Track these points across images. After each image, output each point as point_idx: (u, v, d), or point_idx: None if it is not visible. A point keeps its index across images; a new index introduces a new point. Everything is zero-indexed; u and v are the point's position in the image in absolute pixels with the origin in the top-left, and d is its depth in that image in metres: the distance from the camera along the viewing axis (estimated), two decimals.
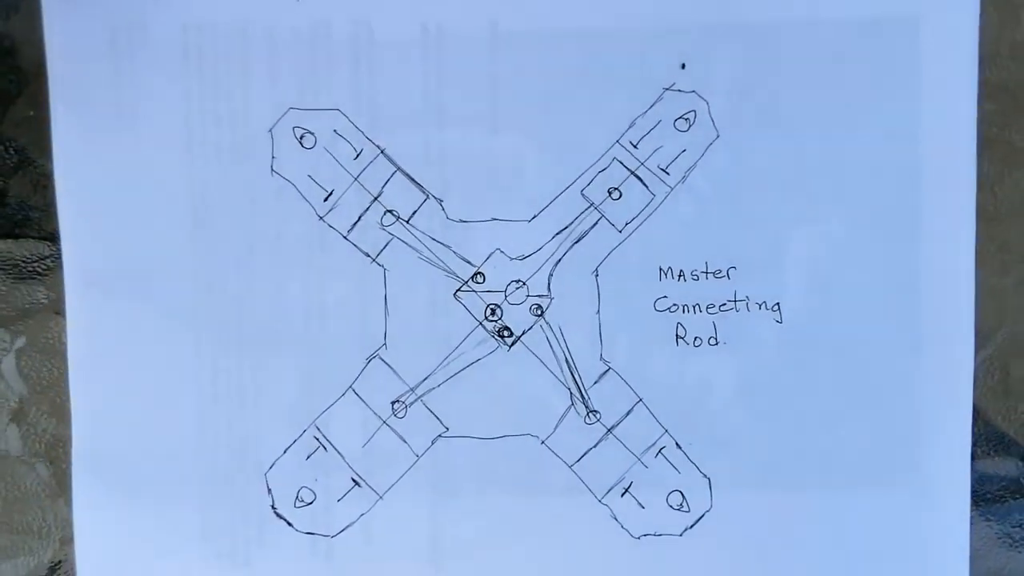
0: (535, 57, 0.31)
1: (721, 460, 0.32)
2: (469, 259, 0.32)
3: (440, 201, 0.32)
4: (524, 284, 0.32)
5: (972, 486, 0.32)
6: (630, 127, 0.31)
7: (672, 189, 0.32)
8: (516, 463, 0.32)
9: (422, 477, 0.32)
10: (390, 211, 0.32)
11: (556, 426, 0.32)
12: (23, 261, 0.32)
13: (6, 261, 0.32)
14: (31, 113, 0.32)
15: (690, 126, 0.31)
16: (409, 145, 0.32)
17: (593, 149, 0.31)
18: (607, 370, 0.32)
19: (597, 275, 0.32)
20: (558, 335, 0.32)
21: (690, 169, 0.32)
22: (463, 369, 0.32)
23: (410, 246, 0.32)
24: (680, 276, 0.32)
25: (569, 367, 0.32)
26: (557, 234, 0.32)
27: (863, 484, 0.32)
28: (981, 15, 0.31)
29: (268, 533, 0.32)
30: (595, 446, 0.32)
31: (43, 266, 0.33)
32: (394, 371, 0.32)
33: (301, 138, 0.32)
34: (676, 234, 0.32)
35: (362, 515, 0.32)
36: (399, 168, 0.32)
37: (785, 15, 0.31)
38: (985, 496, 0.32)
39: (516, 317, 0.32)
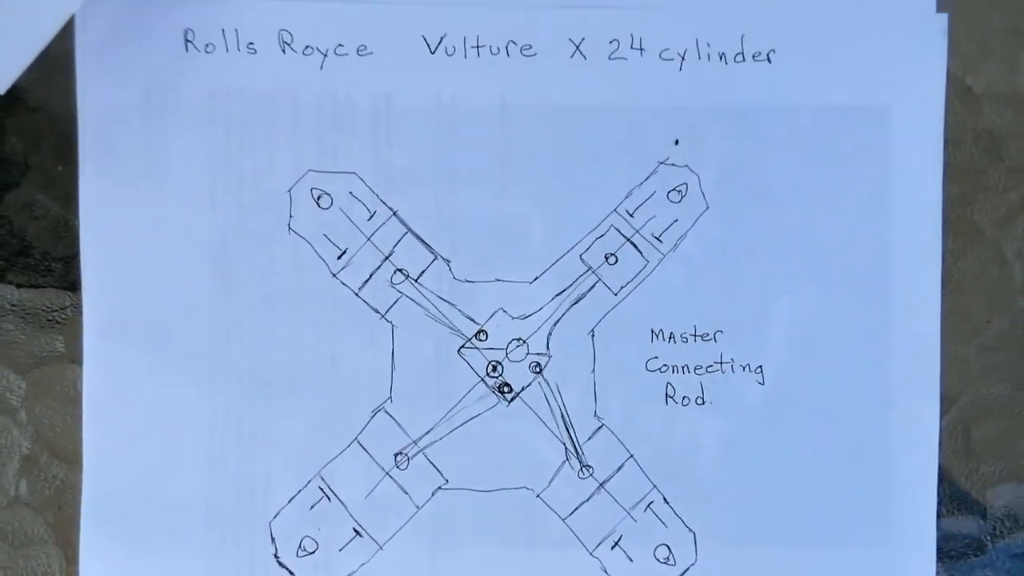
0: (541, 129, 0.33)
1: (706, 515, 0.33)
2: (473, 317, 0.34)
3: (448, 262, 0.33)
4: (524, 342, 0.34)
5: (937, 543, 0.33)
6: (627, 197, 0.33)
7: (664, 256, 0.34)
8: (512, 515, 0.33)
9: (422, 528, 0.33)
10: (400, 270, 0.34)
11: (551, 480, 0.33)
12: (43, 310, 0.34)
13: (27, 310, 0.34)
14: (60, 168, 0.33)
15: (682, 198, 0.34)
16: (420, 208, 0.33)
17: (592, 216, 0.33)
18: (600, 426, 0.33)
19: (593, 335, 0.34)
20: (555, 392, 0.34)
21: (681, 238, 0.34)
22: (464, 423, 0.33)
23: (418, 304, 0.33)
24: (670, 338, 0.33)
25: (565, 423, 0.34)
26: (556, 296, 0.34)
27: (838, 540, 0.33)
28: (946, 105, 0.33)
29: None
30: (587, 500, 0.33)
31: (62, 315, 0.34)
32: (398, 424, 0.33)
33: (318, 199, 0.33)
34: (667, 299, 0.33)
35: (362, 565, 0.33)
36: (410, 229, 0.34)
37: (770, 100, 0.33)
38: (950, 553, 0.34)
39: (516, 374, 0.34)
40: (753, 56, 0.33)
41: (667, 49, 0.33)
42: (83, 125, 0.33)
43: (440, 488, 0.33)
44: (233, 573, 0.33)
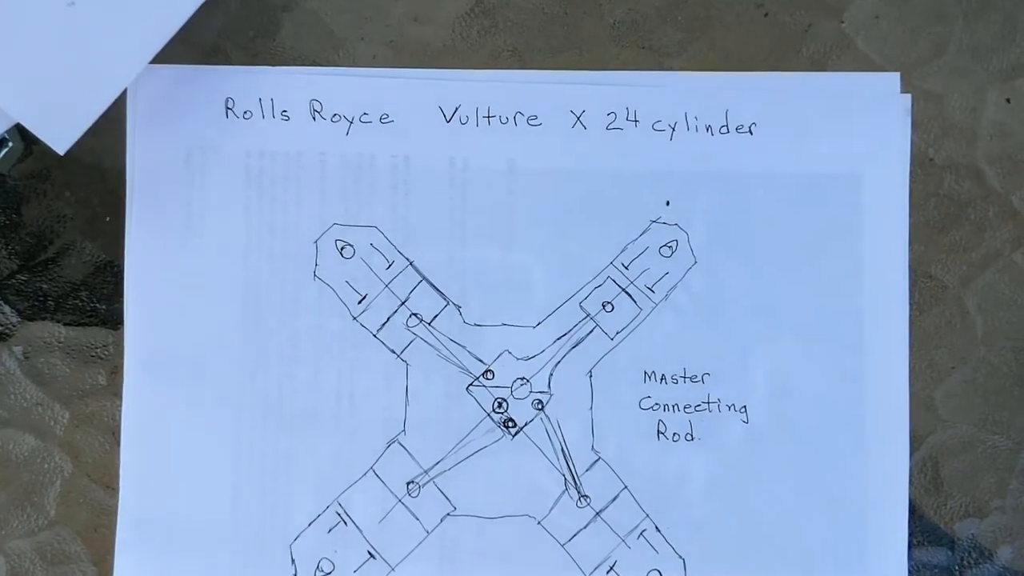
0: (545, 190, 0.36)
1: (695, 543, 0.35)
2: (481, 358, 0.36)
3: (458, 307, 0.36)
4: (528, 381, 0.36)
5: (909, 573, 0.36)
6: (622, 251, 0.36)
7: (656, 305, 0.36)
8: (514, 541, 0.35)
9: (431, 551, 0.35)
10: (415, 314, 0.36)
11: (551, 508, 0.36)
12: (87, 347, 0.37)
13: (72, 347, 0.37)
14: (107, 219, 0.37)
15: (673, 253, 0.36)
16: (434, 259, 0.36)
17: (591, 268, 0.36)
18: (597, 459, 0.36)
19: (591, 376, 0.36)
20: (556, 427, 0.36)
21: (672, 289, 0.36)
22: (471, 455, 0.36)
23: (430, 345, 0.36)
24: (662, 379, 0.36)
25: (564, 456, 0.36)
26: (558, 339, 0.36)
27: (817, 568, 0.35)
28: (911, 174, 0.37)
29: None
30: (585, 527, 0.36)
31: (105, 352, 0.36)
32: (410, 455, 0.36)
33: (342, 249, 0.36)
34: (659, 343, 0.36)
35: None
36: (424, 278, 0.36)
37: (752, 168, 0.36)
38: None
39: (520, 410, 0.36)
40: (736, 128, 0.37)
41: (659, 121, 0.37)
42: (131, 181, 0.36)
43: (448, 515, 0.36)
44: None
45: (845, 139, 0.37)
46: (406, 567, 0.36)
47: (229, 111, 0.37)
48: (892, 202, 0.37)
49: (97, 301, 0.37)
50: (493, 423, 0.36)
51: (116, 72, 0.34)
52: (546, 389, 0.36)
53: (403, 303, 0.36)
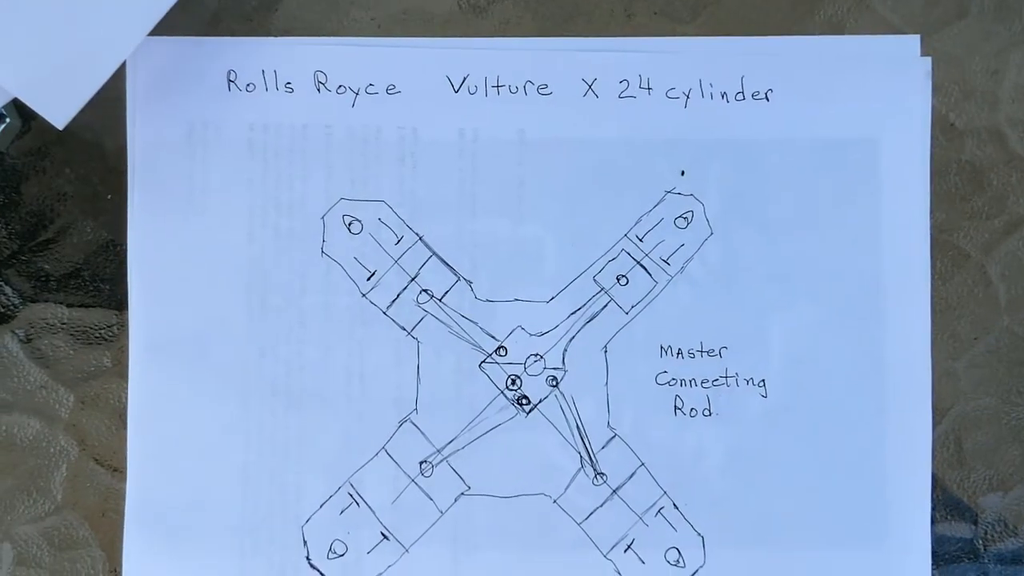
0: (556, 161, 0.36)
1: (713, 519, 0.35)
2: (493, 334, 0.35)
3: (470, 283, 0.36)
4: (541, 358, 0.35)
5: (932, 547, 0.35)
6: (637, 223, 0.36)
7: (672, 278, 0.36)
8: (530, 520, 0.35)
9: (445, 532, 0.35)
10: (425, 290, 0.35)
11: (567, 486, 0.35)
12: (91, 328, 0.36)
13: (76, 328, 0.36)
14: (109, 197, 0.36)
15: (688, 224, 0.36)
16: (444, 233, 0.36)
17: (604, 241, 0.36)
18: (613, 436, 0.35)
19: (606, 351, 0.35)
20: (571, 404, 0.35)
21: (688, 261, 0.36)
22: (485, 433, 0.35)
23: (441, 322, 0.35)
24: (678, 354, 0.35)
25: (580, 433, 0.35)
26: (572, 314, 0.35)
27: (837, 544, 0.35)
28: (931, 139, 0.36)
29: None
30: (601, 505, 0.35)
31: (110, 333, 0.36)
32: (423, 434, 0.35)
33: (349, 225, 0.36)
34: (675, 317, 0.35)
35: (389, 567, 0.35)
36: (434, 253, 0.36)
37: (768, 135, 0.36)
38: (944, 556, 0.36)
39: (534, 387, 0.35)
40: (752, 95, 0.36)
41: (673, 88, 0.36)
42: (132, 157, 0.36)
43: (462, 494, 0.35)
44: (267, 574, 0.35)
45: (863, 104, 0.36)
46: (420, 547, 0.35)
47: (231, 84, 0.36)
48: (912, 168, 0.36)
49: (100, 281, 0.36)
50: (507, 400, 0.35)
51: (114, 44, 0.33)
52: (560, 365, 0.35)
53: (413, 279, 0.36)
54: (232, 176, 0.36)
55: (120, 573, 0.35)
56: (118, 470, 0.35)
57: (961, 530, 0.36)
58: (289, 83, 0.36)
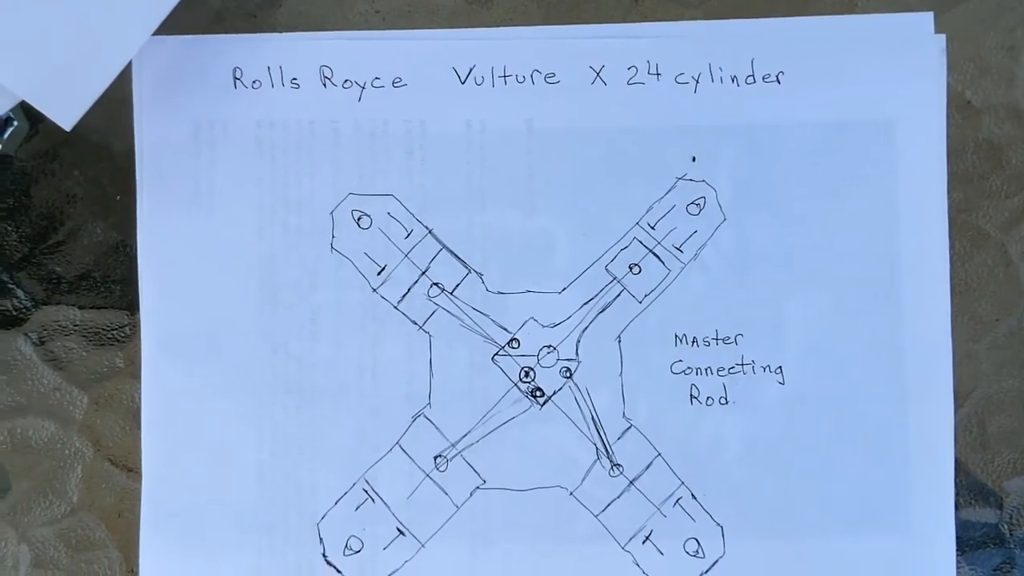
0: (565, 151, 0.35)
1: (732, 509, 0.35)
2: (506, 327, 0.35)
3: (480, 275, 0.35)
4: (555, 349, 0.35)
5: (956, 533, 0.34)
6: (648, 211, 0.35)
7: (685, 265, 0.35)
8: (547, 513, 0.35)
9: (461, 526, 0.35)
10: (436, 284, 0.35)
11: (583, 478, 0.35)
12: (104, 329, 0.36)
13: (89, 329, 0.36)
14: (118, 198, 0.36)
15: (700, 211, 0.35)
16: (454, 226, 0.35)
17: (616, 230, 0.35)
18: (629, 427, 0.35)
19: (620, 341, 0.35)
20: (585, 395, 0.35)
21: (701, 248, 0.35)
22: (499, 426, 0.35)
23: (453, 315, 0.35)
24: (693, 342, 0.35)
25: (595, 424, 0.35)
26: (584, 304, 0.35)
27: (859, 532, 0.34)
28: (947, 118, 0.35)
29: None
30: (618, 497, 0.35)
31: (122, 333, 0.36)
32: (437, 428, 0.35)
33: (359, 220, 0.35)
34: (690, 305, 0.35)
35: (406, 562, 0.35)
36: (445, 246, 0.35)
37: (780, 118, 0.35)
38: (969, 543, 0.35)
39: (547, 379, 0.35)
40: (763, 78, 0.35)
41: (682, 73, 0.35)
42: (140, 158, 0.35)
43: (478, 488, 0.35)
44: (283, 573, 0.35)
45: (877, 84, 0.35)
46: (436, 543, 0.35)
47: (237, 81, 0.36)
48: (928, 148, 0.35)
49: (111, 282, 0.36)
50: (520, 393, 0.35)
51: (119, 44, 0.33)
52: (574, 356, 0.35)
53: (423, 273, 0.35)
54: (240, 174, 0.35)
55: (137, 573, 0.35)
56: (133, 470, 0.35)
57: (986, 515, 0.35)
58: (295, 79, 0.35)
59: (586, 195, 0.35)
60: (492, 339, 0.35)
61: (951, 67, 0.35)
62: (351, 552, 0.35)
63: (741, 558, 0.35)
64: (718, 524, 0.35)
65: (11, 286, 0.36)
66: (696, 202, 0.35)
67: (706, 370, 0.35)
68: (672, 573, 0.35)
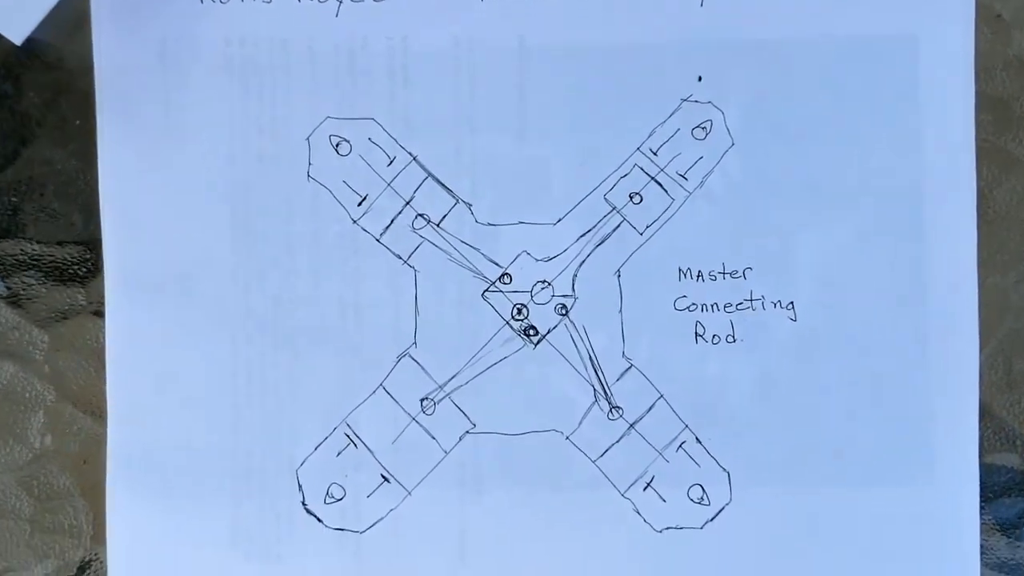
0: (560, 69, 0.33)
1: (740, 454, 0.33)
2: (497, 261, 0.33)
3: (469, 205, 0.33)
4: (549, 285, 0.33)
5: (980, 480, 0.32)
6: (650, 135, 0.33)
7: (690, 194, 0.33)
8: (541, 458, 0.33)
9: (450, 473, 0.33)
10: (421, 215, 0.33)
11: (580, 422, 0.33)
12: (64, 265, 0.34)
13: (48, 265, 0.34)
14: (78, 122, 0.33)
15: (707, 135, 0.33)
16: (440, 152, 0.33)
17: (615, 156, 0.33)
18: (629, 367, 0.33)
19: (619, 276, 0.33)
20: (582, 334, 0.33)
21: (707, 175, 0.33)
22: (490, 367, 0.33)
23: (440, 248, 0.33)
24: (699, 276, 0.33)
25: (593, 364, 0.33)
26: (581, 236, 0.33)
27: (875, 479, 0.33)
28: (976, 33, 0.33)
29: (299, 529, 0.33)
30: (618, 441, 0.33)
31: (84, 269, 0.34)
32: (423, 369, 0.33)
33: (337, 146, 0.33)
34: (694, 236, 0.33)
35: (391, 511, 0.33)
36: (430, 174, 0.33)
37: (794, 33, 0.33)
38: (993, 490, 0.33)
39: (541, 316, 0.33)
40: None
41: None
42: (100, 78, 0.33)
43: (467, 432, 0.33)
44: (260, 522, 0.33)
45: None
46: (424, 490, 0.33)
47: None
48: (955, 66, 0.33)
49: (71, 214, 0.34)
50: (513, 331, 0.33)
51: None
52: (570, 292, 0.33)
53: (408, 203, 0.33)
54: (209, 97, 0.33)
55: (104, 523, 0.33)
56: (98, 415, 0.33)
57: (1012, 461, 0.33)
58: None
59: (583, 118, 0.33)
60: (482, 274, 0.33)
61: None
62: (332, 500, 0.33)
63: (749, 506, 0.33)
64: (724, 470, 0.33)
65: None
66: (702, 125, 0.33)
67: (712, 306, 0.33)
68: (675, 521, 0.33)
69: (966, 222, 0.33)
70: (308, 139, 0.33)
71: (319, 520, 0.33)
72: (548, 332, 0.33)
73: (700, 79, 0.33)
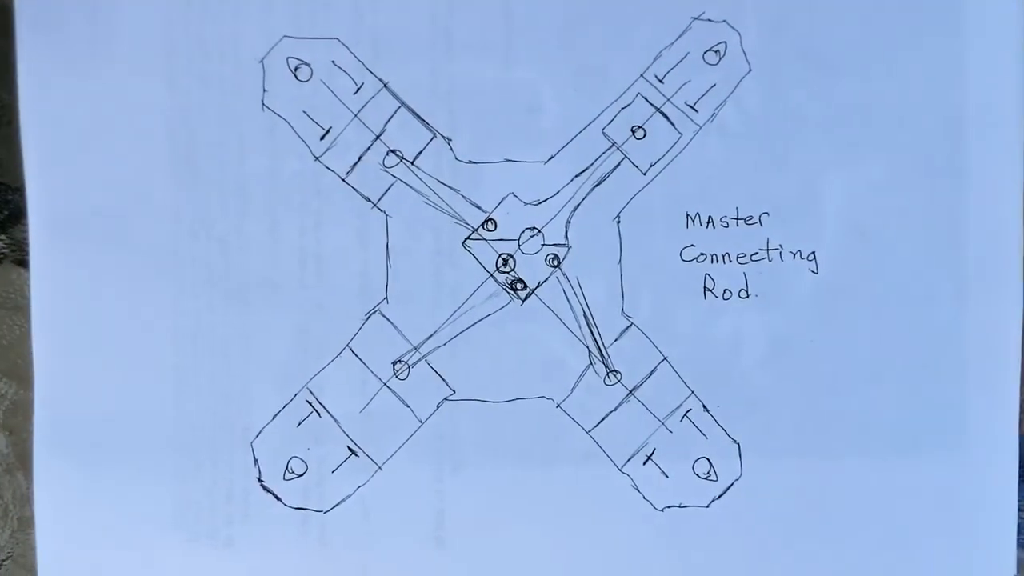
0: None
1: (752, 424, 0.31)
2: (479, 204, 0.31)
3: (448, 140, 0.31)
4: (539, 232, 0.31)
5: (1021, 448, 0.31)
6: (655, 60, 0.31)
7: (700, 128, 0.31)
8: (529, 428, 0.31)
9: (425, 445, 0.31)
10: (393, 151, 0.31)
11: (573, 388, 0.31)
12: None
13: None
14: None
15: (720, 59, 0.31)
16: (414, 78, 0.30)
17: (615, 83, 0.31)
18: (629, 326, 0.31)
19: (619, 222, 0.31)
20: (576, 288, 0.31)
21: (720, 106, 0.31)
22: (472, 325, 0.31)
23: (415, 190, 0.31)
24: (708, 223, 0.31)
25: (588, 323, 0.31)
26: (576, 177, 0.31)
27: (904, 449, 0.31)
28: None
29: (253, 508, 0.31)
30: (615, 409, 0.31)
31: (5, 211, 0.31)
32: (396, 328, 0.31)
33: (296, 70, 0.30)
34: (704, 177, 0.31)
35: (359, 488, 0.31)
36: (403, 104, 0.31)
37: None
38: None
39: (530, 268, 0.31)
40: None
41: None
42: None
43: (446, 399, 0.31)
44: (209, 499, 0.31)
45: None
46: (396, 464, 0.31)
47: None
48: None
49: None
50: (497, 285, 0.31)
51: None
52: (562, 241, 0.31)
53: (378, 137, 0.31)
54: (144, 10, 0.30)
55: (32, 500, 0.30)
56: (23, 378, 0.31)
57: None
58: None
59: (578, 40, 0.30)
60: (462, 219, 0.31)
61: None
62: (293, 476, 0.31)
63: (761, 481, 0.31)
64: (734, 441, 0.31)
65: None
66: (715, 48, 0.31)
67: (723, 257, 0.31)
68: (678, 499, 0.31)
69: (1012, 160, 0.31)
70: (262, 62, 0.30)
71: (277, 498, 0.31)
72: (538, 286, 0.31)
73: None
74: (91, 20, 0.30)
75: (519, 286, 0.31)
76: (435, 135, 0.30)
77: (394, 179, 0.30)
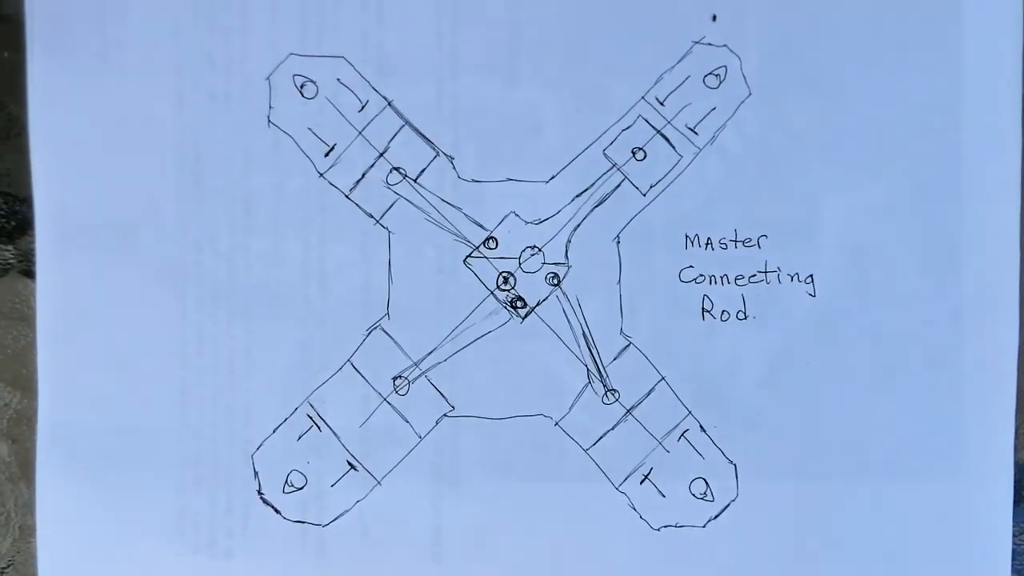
0: (556, 3, 0.31)
1: (749, 445, 0.31)
2: (481, 222, 0.31)
3: (451, 159, 0.31)
4: (540, 251, 0.31)
5: (1016, 474, 0.31)
6: (657, 82, 0.31)
7: (700, 150, 0.31)
8: (527, 446, 0.31)
9: (424, 461, 0.31)
10: (396, 169, 0.31)
11: (571, 406, 0.31)
12: None
13: None
14: (5, 54, 0.31)
15: (721, 82, 0.31)
16: (419, 97, 0.31)
17: (617, 105, 0.31)
18: (627, 345, 0.31)
19: (619, 242, 0.31)
20: (575, 306, 0.31)
21: (720, 129, 0.31)
22: (472, 342, 0.31)
23: (417, 207, 0.31)
24: (707, 244, 0.31)
25: (586, 342, 0.31)
26: (576, 197, 0.31)
27: (900, 473, 0.31)
28: None
29: (253, 521, 0.31)
30: (613, 428, 0.31)
31: (11, 223, 0.31)
32: (396, 344, 0.31)
33: (302, 87, 0.31)
34: (704, 199, 0.31)
35: (358, 502, 0.31)
36: (407, 122, 0.31)
37: None
38: None
39: (530, 286, 0.31)
40: None
41: None
42: (30, 4, 0.30)
43: (445, 416, 0.31)
44: (209, 511, 0.31)
45: None
46: (395, 479, 0.31)
47: None
48: (1001, 9, 0.31)
49: None
50: (497, 303, 0.31)
51: None
52: (563, 260, 0.31)
53: (381, 155, 0.31)
54: (154, 28, 0.30)
55: (34, 509, 0.30)
56: (27, 388, 0.31)
57: None
58: None
59: (581, 61, 0.31)
60: (464, 237, 0.31)
61: None
62: (292, 489, 0.31)
63: (757, 502, 0.31)
64: (731, 462, 0.31)
65: None
66: (715, 72, 0.31)
67: (722, 278, 0.31)
68: (674, 518, 0.31)
69: (1009, 185, 0.31)
70: (269, 79, 0.31)
71: (277, 511, 0.31)
72: (537, 304, 0.31)
73: (714, 19, 0.31)
74: (101, 35, 0.30)
75: (519, 304, 0.31)
76: (438, 153, 0.31)
77: (397, 196, 0.31)
